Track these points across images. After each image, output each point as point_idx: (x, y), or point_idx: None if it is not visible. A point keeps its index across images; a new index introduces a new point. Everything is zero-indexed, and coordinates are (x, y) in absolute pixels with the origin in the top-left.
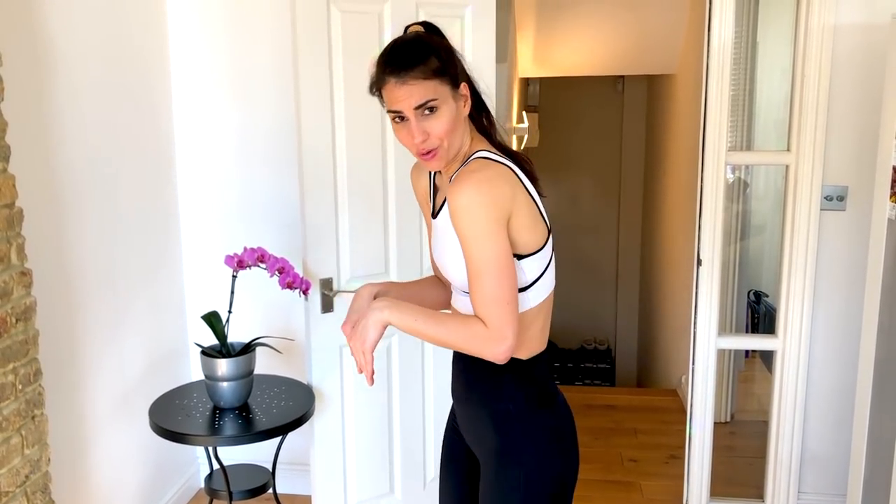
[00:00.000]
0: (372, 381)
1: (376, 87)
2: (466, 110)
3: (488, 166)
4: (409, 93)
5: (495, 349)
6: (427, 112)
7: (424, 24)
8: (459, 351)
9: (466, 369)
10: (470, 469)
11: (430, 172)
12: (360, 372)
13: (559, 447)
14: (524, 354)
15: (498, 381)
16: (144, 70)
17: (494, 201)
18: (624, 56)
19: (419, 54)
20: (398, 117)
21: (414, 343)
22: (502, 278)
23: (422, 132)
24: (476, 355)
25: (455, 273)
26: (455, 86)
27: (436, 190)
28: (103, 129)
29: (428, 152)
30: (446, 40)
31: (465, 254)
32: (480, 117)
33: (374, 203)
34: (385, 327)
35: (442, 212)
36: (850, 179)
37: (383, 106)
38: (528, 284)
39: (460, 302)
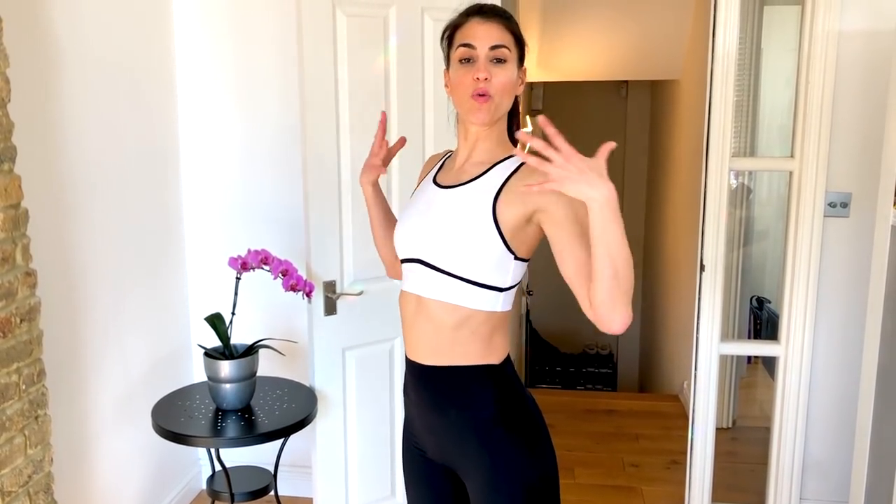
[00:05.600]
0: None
1: (452, 27)
2: (520, 90)
3: None
4: (489, 32)
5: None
6: (496, 60)
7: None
8: (620, 292)
9: (440, 378)
10: (442, 485)
11: (434, 164)
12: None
13: (543, 443)
14: (497, 358)
15: (477, 387)
16: (150, 72)
17: None
18: (628, 61)
19: (507, 13)
20: (464, 59)
21: None
22: None
23: (487, 72)
24: (615, 309)
25: (458, 252)
26: (521, 61)
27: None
28: (108, 130)
29: (482, 95)
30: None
31: (570, 229)
32: (512, 120)
33: None
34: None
35: (473, 184)
36: (854, 186)
37: (446, 56)
38: (511, 286)
39: (431, 285)
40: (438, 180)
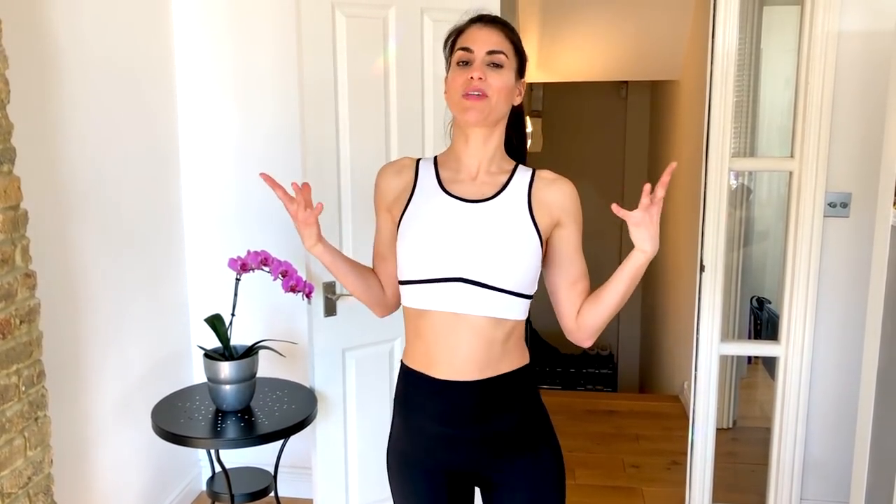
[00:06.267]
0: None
1: (455, 33)
2: (518, 100)
3: None
4: (489, 37)
5: None
6: (493, 65)
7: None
8: (605, 321)
9: (483, 390)
10: (446, 498)
11: (415, 174)
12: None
13: (556, 437)
14: (528, 358)
15: (519, 388)
16: (149, 73)
17: None
18: (627, 61)
19: (508, 24)
20: (462, 61)
21: None
22: None
23: (482, 73)
24: (595, 332)
25: (511, 267)
26: (520, 73)
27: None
28: (108, 131)
29: (476, 94)
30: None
31: (577, 240)
32: (512, 135)
33: None
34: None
35: (502, 196)
36: (854, 186)
37: (447, 61)
38: (534, 293)
39: (477, 302)
40: (454, 192)
